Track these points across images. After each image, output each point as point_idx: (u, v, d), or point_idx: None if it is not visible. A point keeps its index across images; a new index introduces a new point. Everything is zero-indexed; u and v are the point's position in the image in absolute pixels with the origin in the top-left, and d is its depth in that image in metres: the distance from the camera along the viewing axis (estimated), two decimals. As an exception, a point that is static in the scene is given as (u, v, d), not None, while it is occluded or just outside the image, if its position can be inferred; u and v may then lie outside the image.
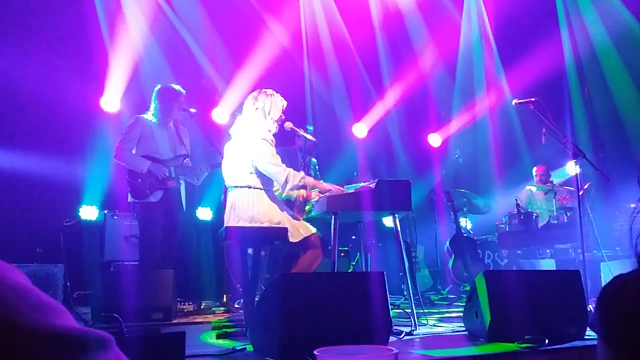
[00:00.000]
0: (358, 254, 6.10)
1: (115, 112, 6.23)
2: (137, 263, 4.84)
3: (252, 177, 3.62)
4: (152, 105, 4.67)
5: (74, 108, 5.91)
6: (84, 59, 6.16)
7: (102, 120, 6.11)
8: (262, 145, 3.60)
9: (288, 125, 4.41)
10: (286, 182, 3.57)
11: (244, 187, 3.64)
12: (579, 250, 4.11)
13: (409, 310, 3.61)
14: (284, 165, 3.65)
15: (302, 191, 3.94)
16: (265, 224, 3.56)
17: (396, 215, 3.89)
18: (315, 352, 0.66)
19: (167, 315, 4.13)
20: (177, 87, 4.80)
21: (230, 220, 3.63)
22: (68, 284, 5.26)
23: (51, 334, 0.49)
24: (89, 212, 5.78)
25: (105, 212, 5.57)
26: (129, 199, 4.60)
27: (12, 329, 0.47)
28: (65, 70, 5.92)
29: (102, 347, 0.52)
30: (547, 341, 2.67)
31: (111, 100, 6.20)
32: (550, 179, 6.76)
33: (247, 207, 3.60)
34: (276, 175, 3.59)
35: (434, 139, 8.58)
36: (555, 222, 6.04)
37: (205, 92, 6.85)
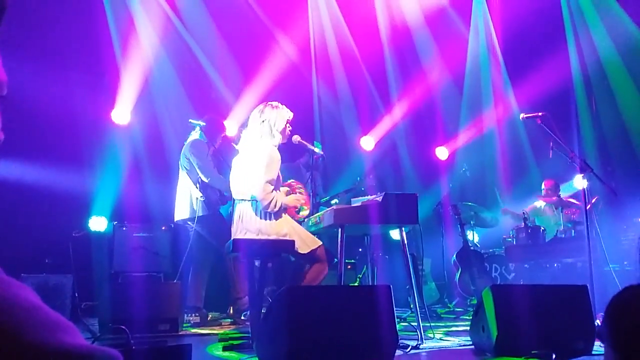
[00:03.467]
0: (365, 266, 6.10)
1: (126, 125, 6.30)
2: (145, 274, 4.89)
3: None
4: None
5: (85, 120, 5.98)
6: (95, 72, 6.25)
7: (113, 133, 6.18)
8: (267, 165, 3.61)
9: (296, 138, 4.45)
10: (266, 207, 3.59)
11: (251, 200, 3.67)
12: (587, 265, 4.10)
13: (416, 324, 3.61)
14: (274, 192, 3.65)
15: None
16: (273, 236, 3.59)
17: (403, 228, 3.90)
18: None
19: (174, 327, 4.15)
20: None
21: (238, 232, 3.66)
22: (76, 294, 5.29)
23: (59, 352, 0.50)
24: (98, 223, 5.83)
25: (115, 223, 5.61)
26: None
27: (21, 347, 0.48)
28: (77, 83, 6.00)
29: None
30: (554, 356, 2.66)
31: (122, 113, 6.28)
32: (559, 193, 6.74)
33: (255, 220, 3.63)
34: (262, 201, 3.59)
35: (441, 152, 8.59)
36: (563, 236, 6.02)
37: (214, 105, 6.92)
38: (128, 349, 2.29)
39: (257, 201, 3.63)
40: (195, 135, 5.06)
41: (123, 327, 2.79)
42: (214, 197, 4.99)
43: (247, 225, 3.62)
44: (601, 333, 0.79)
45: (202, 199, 4.93)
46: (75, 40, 6.18)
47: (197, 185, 4.94)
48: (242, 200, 3.71)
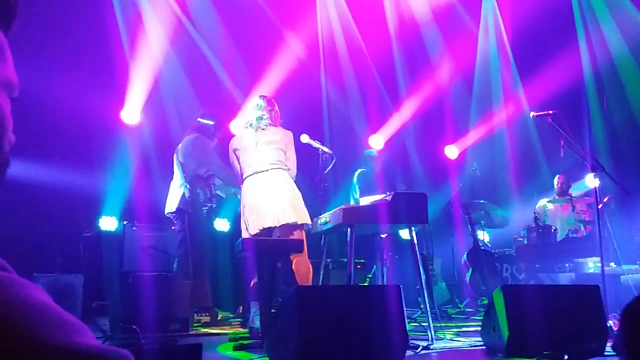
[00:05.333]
0: (374, 266, 6.09)
1: (136, 125, 6.33)
2: (154, 273, 4.91)
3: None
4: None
5: (95, 120, 6.01)
6: (105, 72, 6.27)
7: (123, 133, 6.21)
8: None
9: (304, 138, 4.46)
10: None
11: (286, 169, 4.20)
12: (599, 264, 4.06)
13: (426, 324, 3.59)
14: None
15: None
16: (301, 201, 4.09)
17: (413, 228, 3.89)
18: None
19: (184, 326, 4.16)
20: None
21: (276, 198, 3.99)
22: (87, 294, 5.32)
23: (72, 352, 0.50)
24: (108, 223, 5.86)
25: (125, 223, 5.64)
26: None
27: (35, 347, 0.48)
28: (87, 83, 6.03)
29: None
30: (566, 357, 2.64)
31: (131, 112, 6.31)
32: (569, 191, 6.69)
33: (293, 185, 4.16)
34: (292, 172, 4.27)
35: (451, 151, 8.55)
36: (574, 235, 5.97)
37: (223, 104, 6.93)
38: (139, 348, 2.30)
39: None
40: (194, 134, 5.08)
41: (134, 326, 2.80)
42: (201, 196, 5.01)
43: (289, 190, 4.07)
44: (617, 345, 0.77)
45: (188, 198, 4.93)
46: (85, 40, 6.21)
47: (187, 184, 4.95)
48: (278, 168, 4.12)
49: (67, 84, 5.88)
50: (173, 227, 5.24)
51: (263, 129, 4.21)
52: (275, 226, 3.93)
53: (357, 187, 4.99)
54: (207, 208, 5.14)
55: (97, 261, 5.51)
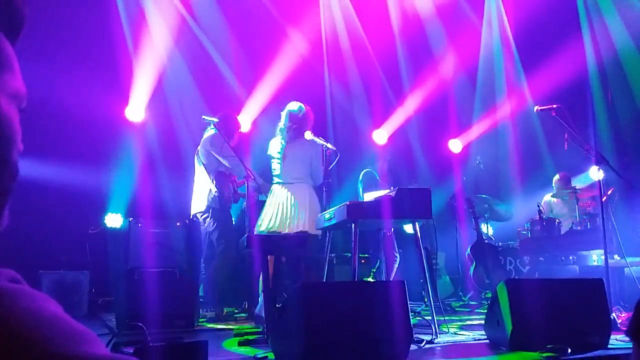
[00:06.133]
0: (378, 261, 6.10)
1: (140, 122, 6.35)
2: (160, 270, 4.94)
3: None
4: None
5: (99, 118, 6.04)
6: (109, 70, 6.30)
7: (127, 130, 6.24)
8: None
9: (308, 134, 4.47)
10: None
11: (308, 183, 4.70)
12: (602, 257, 4.06)
13: (430, 318, 3.61)
14: None
15: None
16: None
17: (416, 223, 3.90)
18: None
19: (190, 322, 4.19)
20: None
21: (302, 209, 4.47)
22: (93, 290, 5.36)
23: None
24: (114, 220, 5.89)
25: (130, 219, 5.66)
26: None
27: (45, 359, 0.49)
28: (91, 81, 6.05)
29: None
30: (570, 350, 2.65)
31: (136, 110, 6.33)
32: (573, 185, 6.67)
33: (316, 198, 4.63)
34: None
35: (455, 145, 8.54)
36: (578, 228, 5.97)
37: (227, 101, 6.94)
38: (145, 345, 2.32)
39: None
40: (212, 130, 5.11)
41: (140, 324, 2.82)
42: (227, 193, 5.04)
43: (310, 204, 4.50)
44: (631, 330, 0.78)
45: (215, 194, 4.98)
46: (89, 38, 6.24)
47: (213, 180, 5.00)
48: (303, 182, 4.57)
49: (72, 82, 5.90)
50: (178, 224, 5.26)
51: (293, 141, 4.67)
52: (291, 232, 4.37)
53: (361, 186, 5.04)
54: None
55: (102, 258, 5.55)
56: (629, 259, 4.79)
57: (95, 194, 5.97)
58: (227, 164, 5.02)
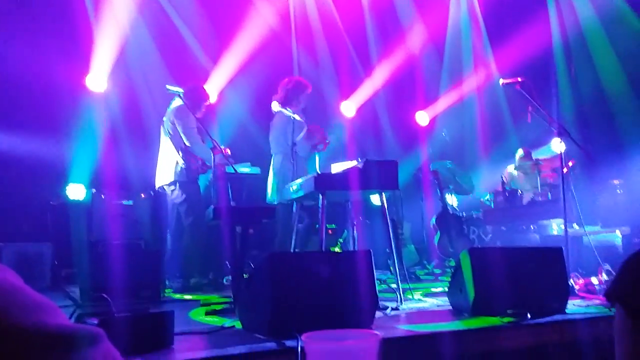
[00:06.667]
0: (346, 231, 6.16)
1: (102, 92, 6.17)
2: (125, 242, 4.88)
3: None
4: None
5: (59, 87, 5.84)
6: (69, 37, 6.07)
7: (89, 100, 6.06)
8: None
9: (275, 106, 4.44)
10: None
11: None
12: (562, 226, 4.19)
13: (395, 286, 3.68)
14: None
15: None
16: None
17: (383, 194, 3.93)
18: (301, 337, 0.68)
19: (156, 293, 4.17)
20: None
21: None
22: (56, 262, 5.26)
23: (42, 333, 0.49)
24: (76, 191, 5.76)
25: (93, 191, 5.55)
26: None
27: (5, 330, 0.48)
28: (50, 49, 5.83)
29: (92, 342, 0.54)
30: (529, 315, 2.73)
31: (97, 79, 6.14)
32: (535, 157, 6.83)
33: None
34: None
35: (422, 117, 8.60)
36: (539, 199, 6.13)
37: (192, 72, 6.80)
38: (110, 316, 2.30)
39: None
40: (179, 101, 4.99)
41: (104, 295, 2.79)
42: (195, 165, 4.97)
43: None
44: (613, 294, 0.77)
45: (182, 166, 4.91)
46: (47, 2, 5.99)
47: (180, 152, 4.92)
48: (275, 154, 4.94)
49: (30, 49, 5.69)
50: (142, 195, 5.19)
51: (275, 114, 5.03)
52: None
53: (317, 158, 5.08)
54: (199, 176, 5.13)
55: (65, 230, 5.43)
56: (587, 228, 4.96)
57: (57, 164, 5.81)
58: (187, 143, 4.92)
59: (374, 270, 2.75)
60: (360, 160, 3.77)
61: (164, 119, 5.08)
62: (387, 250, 5.22)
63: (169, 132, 4.98)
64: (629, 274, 0.76)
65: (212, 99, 6.48)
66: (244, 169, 5.50)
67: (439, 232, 6.44)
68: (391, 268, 5.01)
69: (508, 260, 3.07)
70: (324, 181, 3.67)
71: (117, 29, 6.38)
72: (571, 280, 3.55)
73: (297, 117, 4.81)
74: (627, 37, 7.51)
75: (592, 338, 2.65)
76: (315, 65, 8.14)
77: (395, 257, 3.81)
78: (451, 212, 6.64)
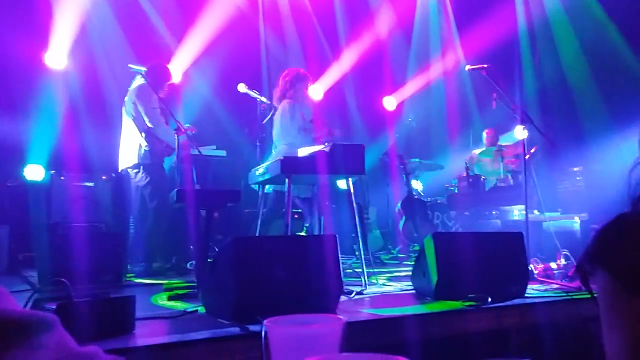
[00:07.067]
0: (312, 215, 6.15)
1: (62, 69, 5.96)
2: (85, 225, 4.77)
3: None
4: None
5: (15, 63, 5.62)
6: (26, 11, 5.83)
7: (48, 77, 5.84)
8: None
9: (242, 87, 4.37)
10: None
11: None
12: (523, 212, 4.27)
13: (360, 270, 3.70)
14: None
15: None
16: None
17: (350, 178, 3.93)
18: (264, 322, 0.67)
19: (117, 278, 4.09)
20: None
21: None
22: (13, 246, 5.11)
23: None
24: (34, 172, 5.58)
25: (52, 172, 5.39)
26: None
27: None
28: (6, 23, 5.59)
29: (46, 328, 0.52)
30: (490, 299, 2.78)
31: (57, 56, 5.92)
32: (498, 143, 6.95)
33: None
34: None
35: (389, 102, 8.62)
36: (502, 184, 6.25)
37: (156, 50, 6.63)
38: (69, 301, 2.24)
39: None
40: (140, 80, 4.85)
41: (63, 279, 2.71)
42: (159, 147, 4.86)
43: None
44: (597, 257, 0.76)
45: (146, 148, 4.80)
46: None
47: (142, 134, 4.80)
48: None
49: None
50: (104, 177, 5.06)
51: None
52: None
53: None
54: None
55: (23, 212, 5.27)
56: (547, 214, 5.09)
57: (14, 144, 5.60)
58: (149, 124, 4.80)
59: (339, 255, 2.75)
60: (327, 144, 3.75)
61: (125, 99, 4.94)
62: (353, 235, 5.25)
63: (132, 114, 4.85)
64: (617, 237, 0.77)
65: (176, 78, 6.35)
66: (209, 149, 5.42)
67: (404, 217, 6.51)
68: (356, 253, 5.04)
69: (470, 245, 3.11)
70: (290, 165, 3.64)
71: (78, 3, 6.15)
72: (531, 265, 3.64)
73: (264, 100, 4.76)
74: (590, 27, 7.66)
75: (550, 321, 2.73)
76: (282, 47, 8.05)
77: (360, 242, 3.83)
78: (416, 197, 6.71)
